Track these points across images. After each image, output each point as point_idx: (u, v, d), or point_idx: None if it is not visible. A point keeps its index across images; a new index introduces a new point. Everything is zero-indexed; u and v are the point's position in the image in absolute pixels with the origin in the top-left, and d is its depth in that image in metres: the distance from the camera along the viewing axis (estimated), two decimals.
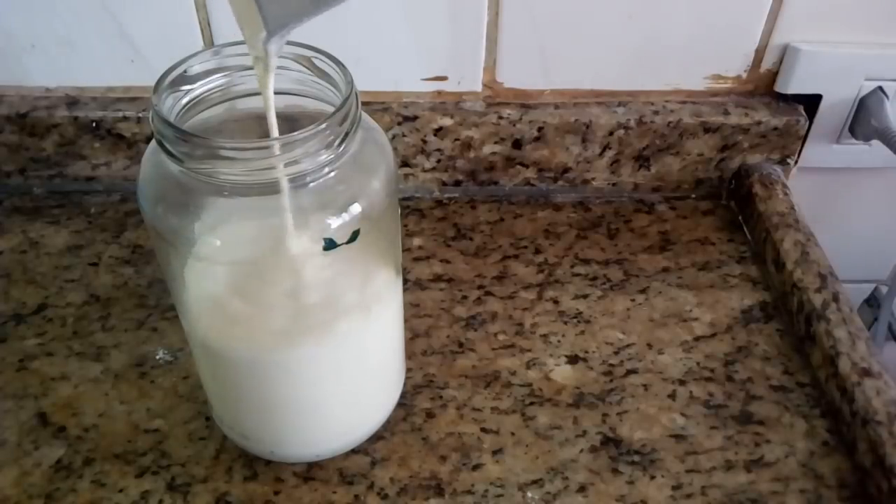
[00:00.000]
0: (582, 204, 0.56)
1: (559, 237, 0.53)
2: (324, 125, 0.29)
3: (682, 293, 0.49)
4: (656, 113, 0.53)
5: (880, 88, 0.52)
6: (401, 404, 0.42)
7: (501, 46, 0.51)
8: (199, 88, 0.32)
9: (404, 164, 0.55)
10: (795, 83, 0.53)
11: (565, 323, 0.47)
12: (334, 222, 0.31)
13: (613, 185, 0.56)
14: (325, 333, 0.34)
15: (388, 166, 0.34)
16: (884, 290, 0.63)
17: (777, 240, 0.50)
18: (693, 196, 0.57)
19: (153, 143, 0.31)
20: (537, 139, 0.53)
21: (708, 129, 0.53)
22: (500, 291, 0.49)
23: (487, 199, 0.56)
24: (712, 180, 0.56)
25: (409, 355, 0.44)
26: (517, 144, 0.54)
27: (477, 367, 0.44)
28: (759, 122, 0.53)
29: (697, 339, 0.46)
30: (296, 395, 0.36)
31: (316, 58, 0.32)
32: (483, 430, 0.41)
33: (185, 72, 0.32)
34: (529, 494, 0.38)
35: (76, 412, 0.41)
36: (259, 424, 0.38)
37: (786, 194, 0.53)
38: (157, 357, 0.44)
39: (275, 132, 0.31)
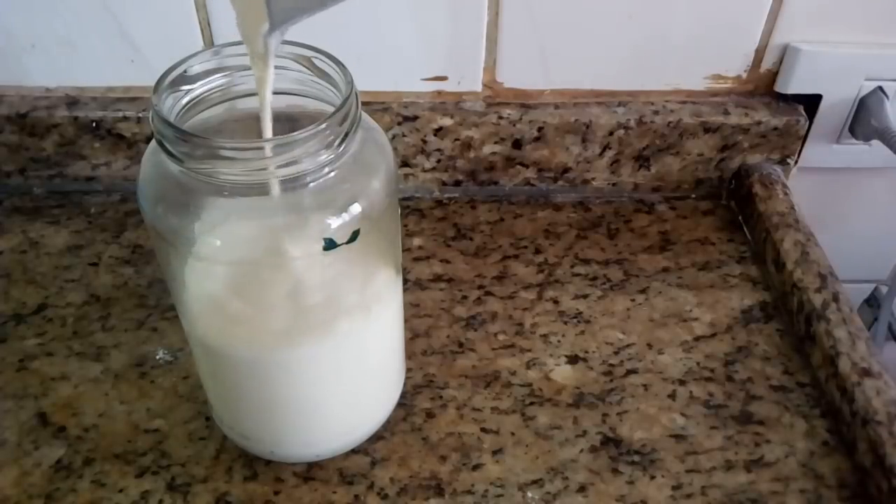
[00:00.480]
0: (582, 204, 0.56)
1: (559, 237, 0.53)
2: (324, 125, 0.29)
3: (682, 293, 0.49)
4: (656, 113, 0.53)
5: (880, 88, 0.52)
6: (401, 404, 0.42)
7: (501, 46, 0.51)
8: (199, 88, 0.32)
9: (404, 164, 0.55)
10: (795, 83, 0.53)
11: (565, 323, 0.47)
12: (334, 222, 0.31)
13: (613, 185, 0.56)
14: (325, 333, 0.34)
15: (388, 166, 0.34)
16: (884, 290, 0.63)
17: (777, 240, 0.50)
18: (693, 196, 0.57)
19: (153, 143, 0.31)
20: (537, 139, 0.53)
21: (708, 129, 0.53)
22: (500, 291, 0.49)
23: (487, 199, 0.56)
24: (712, 180, 0.56)
25: (409, 355, 0.44)
26: (517, 144, 0.54)
27: (477, 367, 0.44)
28: (759, 122, 0.53)
29: (697, 339, 0.46)
30: (296, 395, 0.36)
31: (316, 58, 0.32)
32: (483, 430, 0.41)
33: (185, 72, 0.32)
34: (529, 494, 0.38)
35: (76, 412, 0.41)
36: (259, 424, 0.38)
37: (786, 194, 0.53)
38: (157, 357, 0.44)
39: (268, 131, 0.31)
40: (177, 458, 0.39)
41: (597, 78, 0.53)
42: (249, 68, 0.32)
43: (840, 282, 0.46)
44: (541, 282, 0.49)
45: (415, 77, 0.53)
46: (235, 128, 0.34)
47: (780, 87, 0.54)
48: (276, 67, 0.32)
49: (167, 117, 0.30)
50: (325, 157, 0.30)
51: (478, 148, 0.54)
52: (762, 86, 0.54)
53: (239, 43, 0.32)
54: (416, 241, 0.52)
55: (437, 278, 0.49)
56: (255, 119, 0.34)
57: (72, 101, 0.53)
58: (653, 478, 0.39)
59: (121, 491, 0.38)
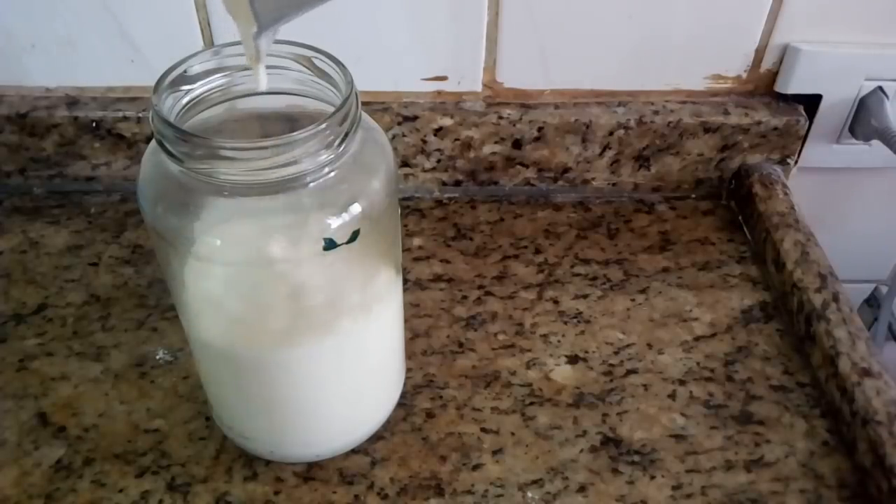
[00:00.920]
0: (582, 204, 0.56)
1: (559, 237, 0.53)
2: (324, 125, 0.29)
3: (682, 293, 0.49)
4: (656, 113, 0.53)
5: (880, 88, 0.52)
6: (401, 404, 0.42)
7: (501, 46, 0.51)
8: (199, 88, 0.32)
9: (404, 164, 0.55)
10: (795, 83, 0.53)
11: (565, 323, 0.47)
12: (334, 222, 0.31)
13: (613, 185, 0.56)
14: (326, 333, 0.34)
15: (388, 166, 0.34)
16: (884, 290, 0.63)
17: (777, 240, 0.50)
18: (693, 196, 0.57)
19: (153, 143, 0.31)
20: (537, 139, 0.53)
21: (708, 129, 0.53)
22: (500, 291, 0.49)
23: (487, 199, 0.56)
24: (712, 180, 0.56)
25: (409, 355, 0.44)
26: (517, 144, 0.54)
27: (477, 367, 0.44)
28: (759, 122, 0.53)
29: (697, 339, 0.46)
30: (296, 395, 0.36)
31: (316, 58, 0.32)
32: (483, 430, 0.41)
33: (185, 72, 0.32)
34: (529, 494, 0.38)
35: (76, 412, 0.41)
36: (259, 424, 0.38)
37: (786, 194, 0.53)
38: (157, 357, 0.44)
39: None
40: (177, 458, 0.39)
41: (597, 78, 0.53)
42: (249, 68, 0.33)
43: (840, 282, 0.46)
44: (541, 282, 0.49)
45: (415, 77, 0.53)
46: (235, 128, 0.34)
47: (780, 87, 0.54)
48: (277, 67, 0.32)
49: (167, 117, 0.30)
50: (325, 157, 0.30)
51: (478, 148, 0.54)
52: (762, 86, 0.54)
53: (239, 43, 0.32)
54: (416, 241, 0.52)
55: (437, 278, 0.49)
56: (255, 119, 0.34)
57: (72, 101, 0.53)
58: (653, 478, 0.39)
59: (121, 491, 0.38)
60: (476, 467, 0.39)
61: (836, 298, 0.45)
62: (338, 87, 0.32)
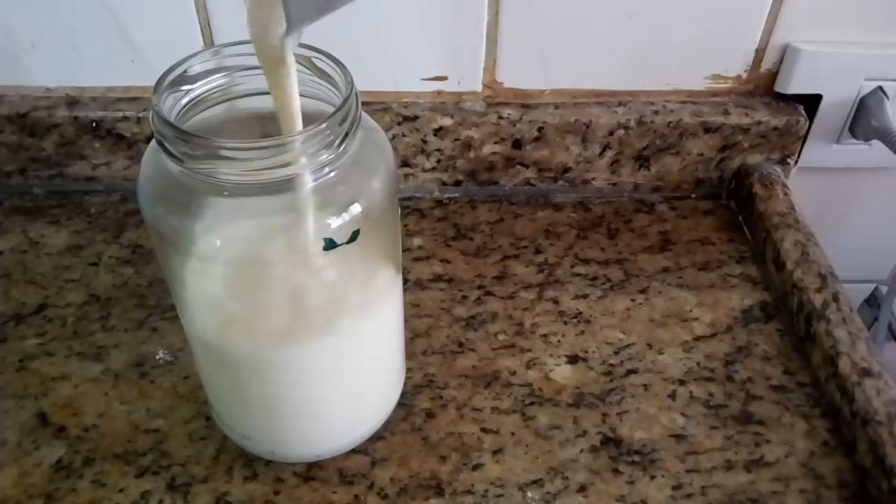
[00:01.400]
0: (582, 204, 0.56)
1: (559, 237, 0.53)
2: (324, 125, 0.29)
3: (682, 293, 0.49)
4: (656, 113, 0.53)
5: (880, 88, 0.52)
6: (401, 404, 0.42)
7: (501, 46, 0.51)
8: (199, 88, 0.32)
9: (404, 164, 0.55)
10: (795, 83, 0.53)
11: (565, 323, 0.47)
12: (334, 222, 0.31)
13: (613, 185, 0.56)
14: (325, 333, 0.34)
15: (388, 166, 0.34)
16: (884, 290, 0.63)
17: (777, 240, 0.50)
18: (693, 196, 0.57)
19: (153, 143, 0.31)
20: (537, 139, 0.53)
21: (708, 129, 0.53)
22: (500, 291, 0.49)
23: (487, 199, 0.56)
24: (712, 180, 0.56)
25: (409, 355, 0.44)
26: (517, 144, 0.54)
27: (477, 367, 0.44)
28: (759, 122, 0.53)
29: (697, 339, 0.46)
30: (296, 395, 0.36)
31: (316, 58, 0.32)
32: (483, 430, 0.41)
33: (185, 72, 0.32)
34: (529, 494, 0.38)
35: (76, 412, 0.41)
36: (259, 424, 0.38)
37: (786, 194, 0.53)
38: (157, 357, 0.44)
39: (298, 124, 0.31)
40: (177, 458, 0.39)
41: (597, 78, 0.53)
42: (249, 68, 0.32)
43: (840, 282, 0.46)
44: (541, 282, 0.49)
45: (415, 77, 0.53)
46: (235, 128, 0.34)
47: (780, 87, 0.54)
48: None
49: (167, 117, 0.30)
50: (325, 157, 0.30)
51: (478, 148, 0.54)
52: (762, 86, 0.54)
53: (239, 43, 0.32)
54: (416, 241, 0.52)
55: (437, 278, 0.49)
56: (255, 119, 0.34)
57: (72, 101, 0.53)
58: (653, 478, 0.39)
59: (121, 491, 0.38)
60: (476, 467, 0.39)
61: (836, 298, 0.45)
62: (338, 87, 0.32)
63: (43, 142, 0.53)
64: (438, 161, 0.54)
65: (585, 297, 0.49)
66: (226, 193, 0.30)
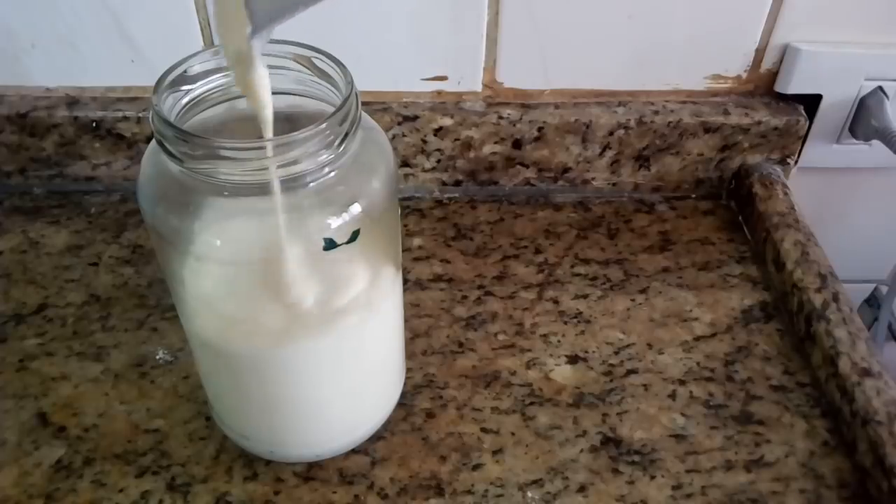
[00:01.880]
0: (582, 204, 0.56)
1: (559, 237, 0.53)
2: (324, 125, 0.29)
3: (682, 293, 0.49)
4: (656, 113, 0.53)
5: (880, 88, 0.52)
6: (401, 404, 0.42)
7: (501, 46, 0.51)
8: (199, 88, 0.32)
9: (404, 164, 0.55)
10: (795, 83, 0.53)
11: (565, 323, 0.47)
12: (334, 222, 0.31)
13: (613, 185, 0.56)
14: (325, 333, 0.34)
15: (388, 166, 0.34)
16: (884, 290, 0.63)
17: (777, 240, 0.50)
18: (693, 196, 0.57)
19: (153, 143, 0.31)
20: (537, 139, 0.53)
21: (708, 129, 0.53)
22: (500, 291, 0.49)
23: (487, 199, 0.56)
24: (712, 180, 0.56)
25: (409, 355, 0.44)
26: (517, 144, 0.54)
27: (477, 367, 0.44)
28: (759, 122, 0.53)
29: (697, 339, 0.46)
30: (296, 395, 0.36)
31: (316, 58, 0.32)
32: (483, 430, 0.41)
33: (185, 72, 0.32)
34: (529, 494, 0.38)
35: (76, 412, 0.41)
36: (259, 424, 0.38)
37: (786, 194, 0.53)
38: (157, 357, 0.44)
39: (269, 132, 0.31)
40: (177, 458, 0.39)
41: (597, 78, 0.53)
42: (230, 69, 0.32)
43: (840, 282, 0.46)
44: (541, 282, 0.49)
45: (415, 77, 0.53)
46: (235, 128, 0.34)
47: (780, 87, 0.54)
48: (277, 67, 0.32)
49: (167, 117, 0.30)
50: (325, 157, 0.30)
51: (478, 148, 0.54)
52: (762, 86, 0.54)
53: None
54: (416, 241, 0.52)
55: (437, 278, 0.49)
56: (255, 119, 0.34)
57: (72, 101, 0.53)
58: (653, 478, 0.39)
59: (121, 491, 0.38)
60: (476, 467, 0.39)
61: (836, 298, 0.45)
62: (338, 87, 0.32)
63: (43, 142, 0.53)
64: (438, 161, 0.54)
65: (585, 297, 0.49)
66: (226, 193, 0.30)
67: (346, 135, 0.30)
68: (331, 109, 0.30)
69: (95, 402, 0.42)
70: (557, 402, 0.43)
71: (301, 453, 0.39)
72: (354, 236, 0.32)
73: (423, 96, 0.53)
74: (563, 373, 0.44)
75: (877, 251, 0.62)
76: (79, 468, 0.39)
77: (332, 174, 0.31)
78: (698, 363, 0.45)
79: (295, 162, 0.29)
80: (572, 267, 0.51)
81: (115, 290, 0.48)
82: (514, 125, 0.53)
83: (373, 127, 0.34)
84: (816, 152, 0.55)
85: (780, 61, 0.53)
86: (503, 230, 0.53)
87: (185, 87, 0.32)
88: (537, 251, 0.52)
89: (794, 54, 0.51)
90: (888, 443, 0.38)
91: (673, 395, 0.43)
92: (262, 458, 0.39)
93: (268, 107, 0.31)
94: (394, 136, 0.53)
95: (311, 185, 0.30)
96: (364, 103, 0.33)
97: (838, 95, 0.53)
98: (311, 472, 0.39)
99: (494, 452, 0.40)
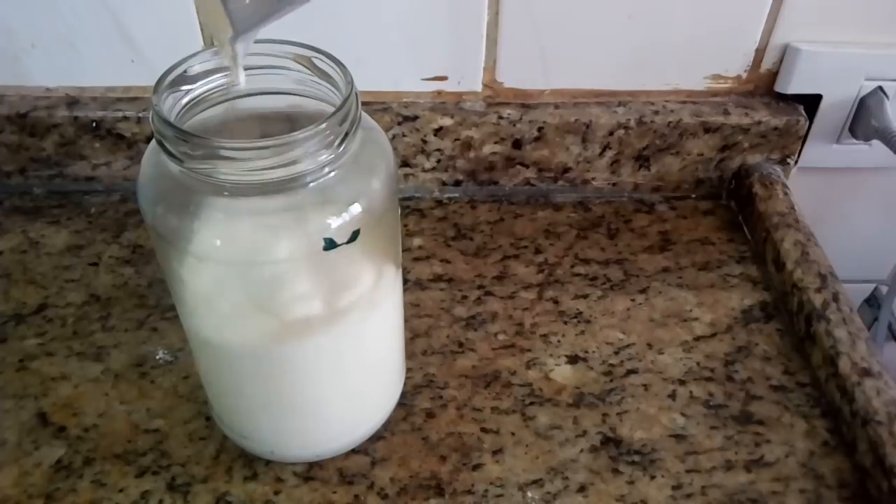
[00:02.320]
0: (582, 204, 0.56)
1: (559, 237, 0.53)
2: (324, 125, 0.29)
3: (682, 293, 0.49)
4: (656, 113, 0.53)
5: (880, 88, 0.52)
6: (401, 404, 0.42)
7: (501, 46, 0.51)
8: (199, 88, 0.32)
9: (404, 164, 0.55)
10: (795, 83, 0.53)
11: (565, 323, 0.47)
12: (334, 222, 0.31)
13: (613, 185, 0.56)
14: (325, 333, 0.34)
15: (388, 166, 0.34)
16: (884, 290, 0.63)
17: (777, 240, 0.50)
18: (693, 196, 0.57)
19: (153, 143, 0.31)
20: (537, 139, 0.53)
21: (708, 129, 0.53)
22: (500, 291, 0.49)
23: (487, 199, 0.56)
24: (712, 180, 0.56)
25: (409, 355, 0.44)
26: (517, 144, 0.54)
27: (477, 367, 0.44)
28: (759, 122, 0.53)
29: (697, 339, 0.46)
30: (296, 395, 0.36)
31: (316, 58, 0.32)
32: (483, 430, 0.41)
33: (185, 72, 0.32)
34: (529, 494, 0.38)
35: (76, 412, 0.41)
36: (259, 424, 0.38)
37: (786, 194, 0.53)
38: (157, 357, 0.44)
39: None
40: (177, 458, 0.39)
41: (597, 78, 0.53)
42: (249, 68, 0.33)
43: (840, 282, 0.46)
44: (541, 282, 0.49)
45: (415, 77, 0.53)
46: (235, 128, 0.34)
47: (780, 87, 0.54)
48: (277, 67, 0.32)
49: (167, 117, 0.30)
50: (325, 157, 0.30)
51: (478, 148, 0.54)
52: (762, 86, 0.54)
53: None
54: (416, 241, 0.52)
55: (437, 278, 0.49)
56: (255, 119, 0.34)
57: (72, 101, 0.53)
58: (653, 478, 0.39)
59: (121, 491, 0.38)
60: (476, 467, 0.39)
61: (836, 298, 0.45)
62: (338, 87, 0.32)
63: (43, 142, 0.53)
64: (438, 161, 0.54)
65: (585, 297, 0.49)
66: (226, 193, 0.30)
67: (346, 135, 0.30)
68: (331, 109, 0.30)
69: (95, 402, 0.42)
70: (557, 402, 0.43)
71: (301, 453, 0.39)
72: (354, 236, 0.32)
73: (423, 96, 0.53)
74: (563, 373, 0.44)
75: (877, 251, 0.62)
76: (79, 468, 0.39)
77: (332, 174, 0.31)
78: (698, 363, 0.45)
79: (295, 162, 0.29)
80: (572, 267, 0.51)
81: (115, 290, 0.48)
82: (514, 125, 0.53)
83: (373, 127, 0.34)
84: (816, 152, 0.55)
85: (780, 61, 0.53)
86: (503, 230, 0.53)
87: (185, 87, 0.32)
88: (537, 251, 0.52)
89: (794, 54, 0.51)
90: (888, 443, 0.38)
91: (673, 395, 0.43)
92: (262, 458, 0.39)
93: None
94: (394, 136, 0.53)
95: (311, 185, 0.30)
96: (364, 103, 0.33)
97: (838, 95, 0.53)
98: (311, 472, 0.39)
99: (494, 452, 0.40)
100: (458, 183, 0.56)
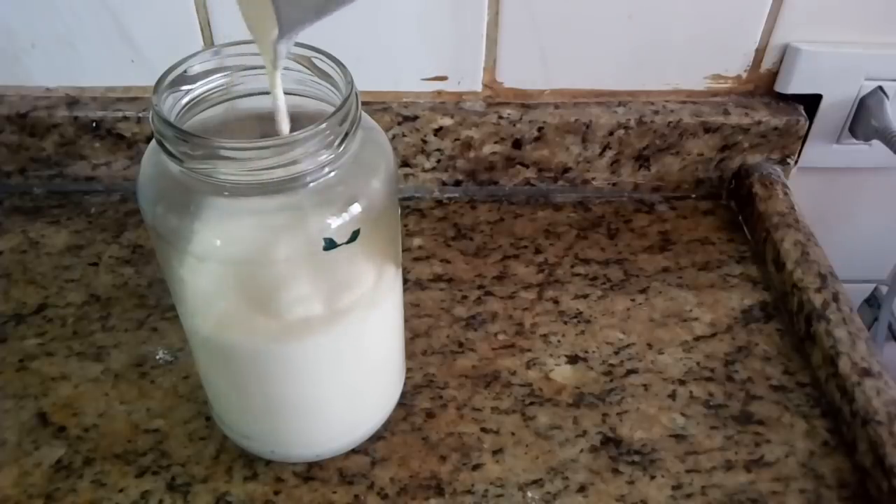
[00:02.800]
0: (582, 204, 0.56)
1: (559, 237, 0.53)
2: (324, 125, 0.29)
3: (682, 293, 0.49)
4: (656, 113, 0.53)
5: (880, 88, 0.52)
6: (401, 404, 0.42)
7: (501, 46, 0.51)
8: (199, 88, 0.32)
9: (404, 164, 0.55)
10: (795, 83, 0.53)
11: (565, 323, 0.47)
12: (334, 222, 0.31)
13: (613, 185, 0.56)
14: (325, 332, 0.34)
15: (388, 166, 0.34)
16: (884, 290, 0.63)
17: (777, 240, 0.50)
18: (693, 196, 0.57)
19: (153, 143, 0.31)
20: (537, 139, 0.53)
21: (708, 129, 0.53)
22: (500, 291, 0.49)
23: (487, 199, 0.56)
24: (712, 180, 0.56)
25: (409, 355, 0.44)
26: (517, 144, 0.54)
27: (477, 367, 0.44)
28: (759, 122, 0.53)
29: (697, 339, 0.46)
30: (296, 395, 0.36)
31: (316, 58, 0.32)
32: (483, 430, 0.41)
33: (185, 72, 0.32)
34: (529, 494, 0.38)
35: (76, 412, 0.41)
36: (259, 424, 0.38)
37: (786, 194, 0.53)
38: (157, 357, 0.44)
39: (285, 129, 0.31)
40: (177, 458, 0.39)
41: (597, 78, 0.53)
42: (249, 68, 0.33)
43: (840, 282, 0.46)
44: (541, 282, 0.49)
45: (415, 77, 0.53)
46: (235, 128, 0.34)
47: (780, 87, 0.54)
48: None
49: (167, 117, 0.30)
50: (325, 157, 0.30)
51: (478, 148, 0.54)
52: (762, 86, 0.54)
53: (238, 43, 0.32)
54: (416, 241, 0.52)
55: (437, 278, 0.49)
56: (255, 119, 0.34)
57: (72, 101, 0.53)
58: (653, 478, 0.39)
59: (121, 491, 0.38)
60: (476, 467, 0.39)
61: (836, 298, 0.45)
62: (338, 87, 0.32)
63: (43, 142, 0.53)
64: (438, 161, 0.54)
65: (585, 297, 0.49)
66: (226, 193, 0.30)
67: (346, 135, 0.30)
68: (331, 109, 0.30)
69: (95, 402, 0.42)
70: (557, 402, 0.43)
71: (301, 453, 0.39)
72: (354, 236, 0.32)
73: (423, 96, 0.53)
74: (563, 373, 0.44)
75: (877, 251, 0.62)
76: (79, 468, 0.39)
77: (332, 174, 0.31)
78: (698, 363, 0.45)
79: (295, 162, 0.29)
80: (572, 267, 0.51)
81: (115, 290, 0.48)
82: (514, 125, 0.53)
83: (373, 127, 0.34)
84: (816, 152, 0.55)
85: (780, 61, 0.53)
86: (503, 230, 0.53)
87: (185, 87, 0.32)
88: (537, 251, 0.52)
89: (794, 54, 0.51)
90: (888, 443, 0.38)
91: (673, 395, 0.43)
92: (263, 458, 0.39)
93: (280, 101, 0.31)
94: (394, 136, 0.53)
95: (311, 185, 0.30)
96: (364, 103, 0.33)
97: (838, 95, 0.53)
98: (311, 471, 0.39)
99: (494, 452, 0.40)
100: (458, 183, 0.56)
